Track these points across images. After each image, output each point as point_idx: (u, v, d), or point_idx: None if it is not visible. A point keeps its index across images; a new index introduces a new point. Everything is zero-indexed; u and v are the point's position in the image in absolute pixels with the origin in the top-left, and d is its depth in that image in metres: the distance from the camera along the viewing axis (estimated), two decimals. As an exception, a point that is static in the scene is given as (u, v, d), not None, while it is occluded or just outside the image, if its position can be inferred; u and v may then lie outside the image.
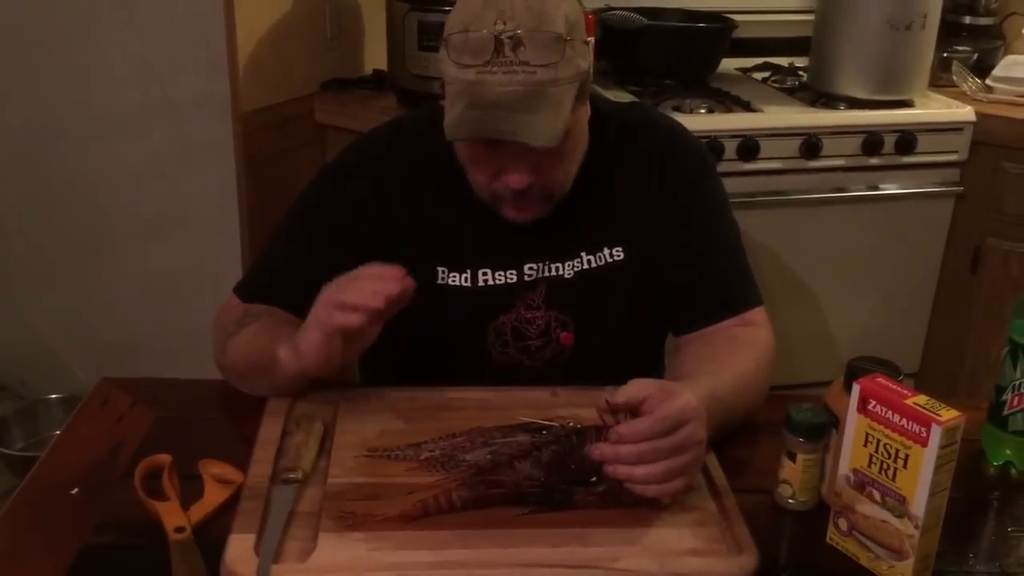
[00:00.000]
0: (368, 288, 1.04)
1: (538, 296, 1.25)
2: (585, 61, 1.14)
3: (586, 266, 1.26)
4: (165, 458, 1.03)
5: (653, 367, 1.37)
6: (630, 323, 1.29)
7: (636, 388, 0.98)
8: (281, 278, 1.27)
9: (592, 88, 1.21)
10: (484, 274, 1.25)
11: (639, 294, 1.28)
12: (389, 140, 1.31)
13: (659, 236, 1.27)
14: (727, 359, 1.17)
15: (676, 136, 1.33)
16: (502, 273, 1.25)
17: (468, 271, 1.25)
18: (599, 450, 0.97)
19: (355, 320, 1.04)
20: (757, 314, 1.27)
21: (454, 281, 1.25)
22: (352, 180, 1.28)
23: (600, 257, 1.26)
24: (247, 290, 1.29)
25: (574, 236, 1.26)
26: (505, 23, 1.07)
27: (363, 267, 1.08)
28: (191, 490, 1.00)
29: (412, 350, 1.07)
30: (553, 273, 1.26)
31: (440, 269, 1.25)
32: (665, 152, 1.29)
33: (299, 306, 1.16)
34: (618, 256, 1.26)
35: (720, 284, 1.28)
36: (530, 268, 1.25)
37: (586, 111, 1.21)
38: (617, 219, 1.27)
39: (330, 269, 1.19)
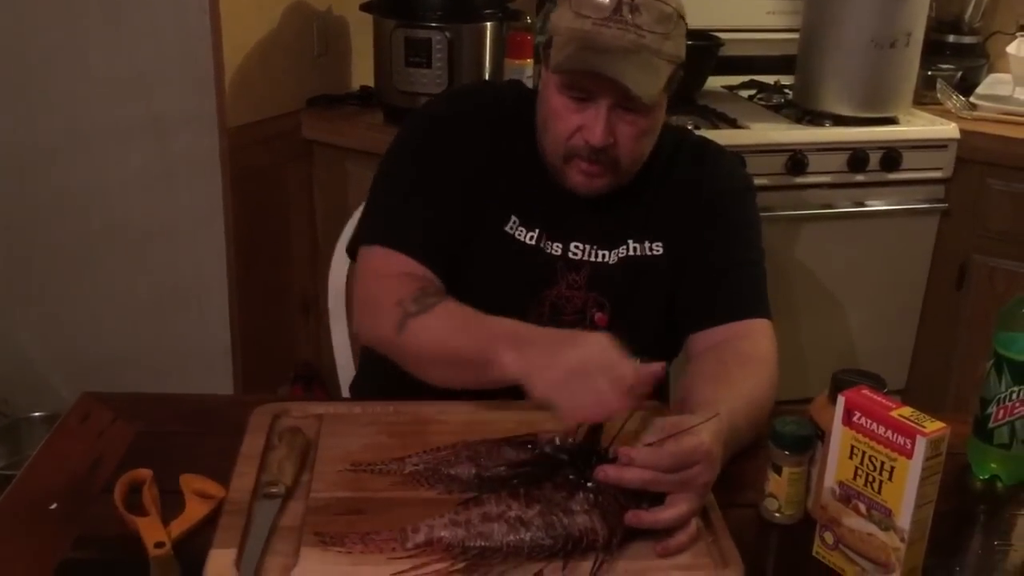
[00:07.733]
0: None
1: (582, 278, 1.30)
2: (682, 52, 1.23)
3: (630, 253, 1.31)
4: (145, 473, 1.02)
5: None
6: (659, 320, 1.33)
7: (664, 425, 0.98)
8: (423, 228, 1.27)
9: None
10: (546, 236, 1.30)
11: (671, 293, 1.32)
12: (477, 100, 1.38)
13: (692, 237, 1.32)
14: (739, 382, 1.16)
15: (726, 155, 1.43)
16: (551, 244, 1.30)
17: (537, 230, 1.30)
18: (604, 472, 0.96)
19: (618, 407, 1.01)
20: (765, 326, 1.29)
21: (520, 235, 1.29)
22: (447, 127, 1.33)
23: (643, 248, 1.32)
24: (398, 241, 1.26)
25: (624, 223, 1.32)
26: None
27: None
28: (172, 505, 0.99)
29: (464, 295, 1.15)
30: (599, 258, 1.31)
31: (513, 218, 1.30)
32: (715, 166, 1.38)
33: (440, 259, 1.24)
34: (657, 251, 1.32)
35: (733, 288, 1.31)
36: (576, 247, 1.30)
37: (664, 106, 1.28)
38: (662, 216, 1.33)
39: (450, 213, 1.26)
